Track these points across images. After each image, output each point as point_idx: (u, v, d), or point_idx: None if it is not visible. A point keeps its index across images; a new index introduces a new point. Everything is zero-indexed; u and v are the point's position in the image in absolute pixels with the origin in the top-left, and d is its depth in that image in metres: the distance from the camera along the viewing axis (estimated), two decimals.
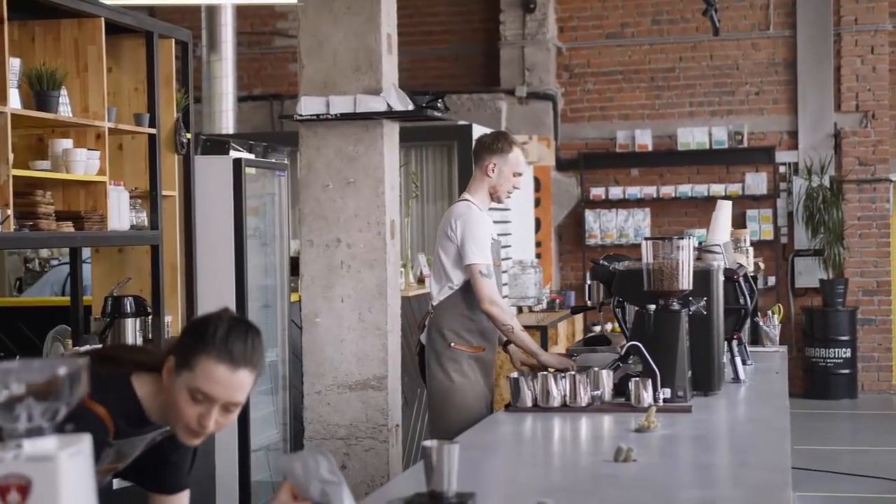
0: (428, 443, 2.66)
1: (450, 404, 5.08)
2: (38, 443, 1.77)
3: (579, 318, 10.78)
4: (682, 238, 4.38)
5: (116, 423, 2.61)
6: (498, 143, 5.20)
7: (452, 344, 5.08)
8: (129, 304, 5.42)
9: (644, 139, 12.55)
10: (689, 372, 4.29)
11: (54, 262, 8.45)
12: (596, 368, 4.29)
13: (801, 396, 11.95)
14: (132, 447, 2.71)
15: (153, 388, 2.65)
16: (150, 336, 5.58)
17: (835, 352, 11.91)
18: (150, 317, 5.57)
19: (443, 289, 5.12)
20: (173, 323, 5.82)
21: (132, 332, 5.41)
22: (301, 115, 5.39)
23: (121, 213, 5.31)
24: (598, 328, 10.03)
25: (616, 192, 12.57)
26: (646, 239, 4.39)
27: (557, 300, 10.59)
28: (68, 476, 1.75)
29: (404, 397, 6.00)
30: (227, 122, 10.77)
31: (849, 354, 11.94)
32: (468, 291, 5.08)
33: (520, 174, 5.22)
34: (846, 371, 11.95)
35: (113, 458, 2.68)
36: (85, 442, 1.82)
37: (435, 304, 5.16)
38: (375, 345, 5.36)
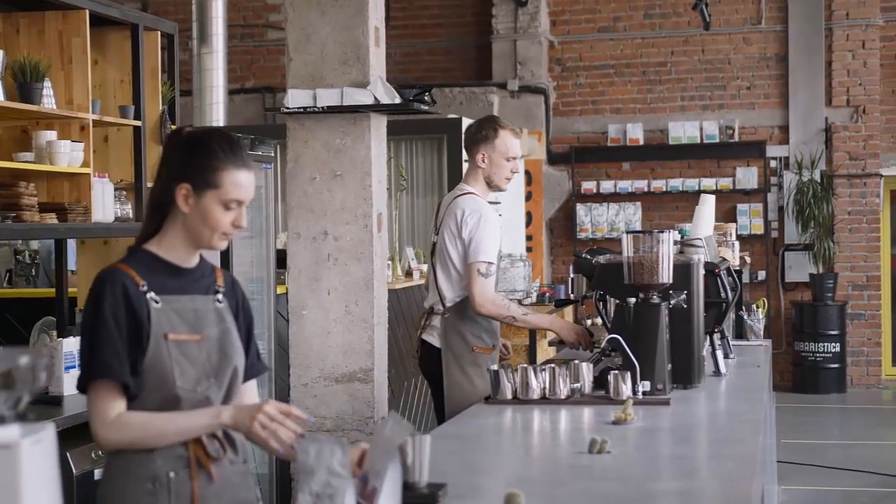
0: None
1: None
2: (0, 431, 1.79)
3: (571, 311, 10.79)
4: (663, 232, 4.39)
5: (143, 275, 2.77)
6: (482, 131, 5.10)
7: (475, 348, 5.02)
8: None
9: (635, 133, 12.56)
10: (669, 365, 4.31)
11: None
12: (576, 361, 4.31)
13: (790, 390, 11.99)
14: (192, 303, 2.85)
15: (165, 236, 2.84)
16: None
17: (824, 346, 11.94)
18: None
19: (457, 289, 5.04)
20: None
21: None
22: (288, 108, 5.39)
23: (105, 204, 5.31)
24: (589, 322, 10.02)
25: (607, 186, 12.58)
26: (626, 232, 4.40)
27: (548, 294, 10.59)
28: (30, 464, 1.77)
29: (391, 390, 6.01)
30: (217, 114, 10.73)
31: (838, 349, 11.97)
32: None
33: (513, 158, 5.09)
34: (835, 365, 11.98)
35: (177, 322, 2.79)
36: (48, 430, 1.83)
37: (448, 304, 5.06)
38: (362, 337, 5.36)
